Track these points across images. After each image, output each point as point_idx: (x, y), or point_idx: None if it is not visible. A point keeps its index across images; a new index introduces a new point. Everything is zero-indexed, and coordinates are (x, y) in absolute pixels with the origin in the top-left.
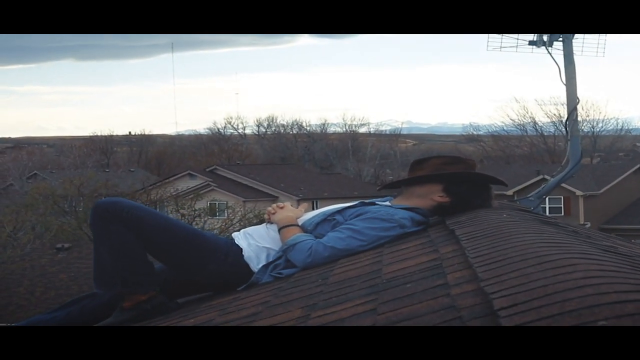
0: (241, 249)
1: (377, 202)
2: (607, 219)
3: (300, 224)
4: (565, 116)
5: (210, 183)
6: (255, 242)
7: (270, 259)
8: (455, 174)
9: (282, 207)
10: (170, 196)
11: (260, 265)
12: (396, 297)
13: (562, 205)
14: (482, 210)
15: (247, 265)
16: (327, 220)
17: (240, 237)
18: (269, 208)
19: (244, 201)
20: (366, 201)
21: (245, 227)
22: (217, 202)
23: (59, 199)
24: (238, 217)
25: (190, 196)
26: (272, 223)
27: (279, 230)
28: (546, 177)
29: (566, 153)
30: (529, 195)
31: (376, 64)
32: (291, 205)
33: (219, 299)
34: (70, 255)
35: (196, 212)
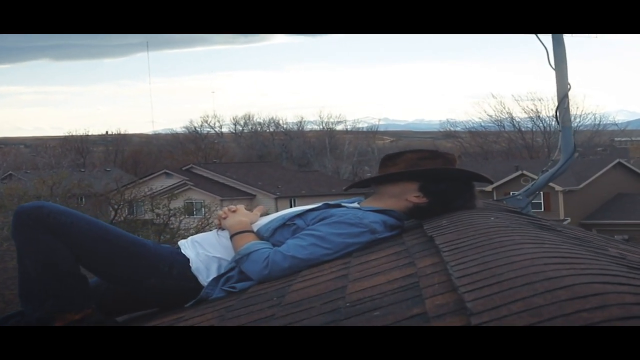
0: (188, 260)
1: (344, 204)
2: (586, 214)
3: (255, 229)
4: (554, 105)
5: (186, 182)
6: (205, 252)
7: (222, 271)
8: (433, 170)
9: (234, 211)
10: (144, 196)
11: (210, 278)
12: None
13: (542, 201)
14: (465, 212)
15: (195, 278)
16: (287, 225)
17: (187, 246)
18: (220, 212)
19: (221, 200)
20: (331, 203)
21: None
22: (193, 201)
23: (32, 200)
24: (215, 216)
25: (165, 195)
26: (223, 229)
27: (231, 237)
28: (525, 172)
29: (558, 146)
30: (516, 194)
31: (352, 61)
32: (245, 208)
33: (161, 318)
34: None
35: (171, 212)
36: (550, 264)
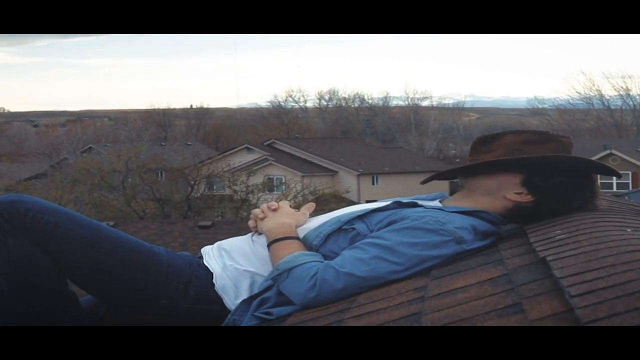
0: (212, 274)
1: (420, 203)
2: None
3: (302, 235)
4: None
5: (267, 157)
6: (234, 264)
7: (256, 290)
8: (542, 158)
9: (275, 209)
10: (223, 171)
11: (240, 300)
12: None
13: (630, 181)
14: (584, 217)
15: (219, 300)
16: (343, 230)
17: (212, 256)
18: (256, 210)
19: (302, 176)
20: (404, 201)
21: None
22: (273, 177)
23: (106, 174)
24: (293, 194)
25: (244, 171)
26: (260, 234)
27: (269, 245)
28: (614, 151)
29: None
30: None
31: (439, 35)
32: (290, 206)
33: None
34: None
35: (249, 188)
36: None
